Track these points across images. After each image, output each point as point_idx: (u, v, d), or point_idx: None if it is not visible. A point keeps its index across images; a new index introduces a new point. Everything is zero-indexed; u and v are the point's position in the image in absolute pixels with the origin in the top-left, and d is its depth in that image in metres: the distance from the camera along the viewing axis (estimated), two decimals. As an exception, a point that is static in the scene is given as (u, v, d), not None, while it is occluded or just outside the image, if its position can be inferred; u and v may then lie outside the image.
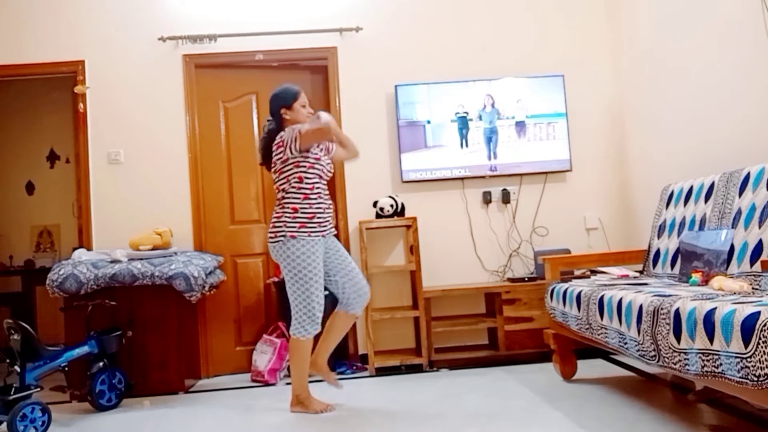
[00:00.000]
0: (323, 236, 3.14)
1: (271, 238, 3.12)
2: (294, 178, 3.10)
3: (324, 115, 3.09)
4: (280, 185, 3.15)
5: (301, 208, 3.09)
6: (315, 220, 3.10)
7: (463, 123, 4.32)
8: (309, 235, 3.07)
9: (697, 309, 1.98)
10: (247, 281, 4.37)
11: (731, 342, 1.79)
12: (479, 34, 4.49)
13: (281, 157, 3.12)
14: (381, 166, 4.40)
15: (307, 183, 3.10)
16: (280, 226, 3.09)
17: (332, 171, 3.27)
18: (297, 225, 3.07)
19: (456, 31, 4.48)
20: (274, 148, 3.16)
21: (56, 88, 6.10)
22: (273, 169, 3.20)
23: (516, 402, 3.05)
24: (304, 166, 3.10)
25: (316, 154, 3.15)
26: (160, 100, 4.33)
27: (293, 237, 3.05)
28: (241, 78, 4.46)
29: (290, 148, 3.08)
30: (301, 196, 3.10)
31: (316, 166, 3.14)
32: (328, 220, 3.18)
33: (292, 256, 3.05)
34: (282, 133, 3.15)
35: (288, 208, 3.09)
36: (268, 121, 3.29)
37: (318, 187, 3.14)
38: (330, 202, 3.23)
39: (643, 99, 4.13)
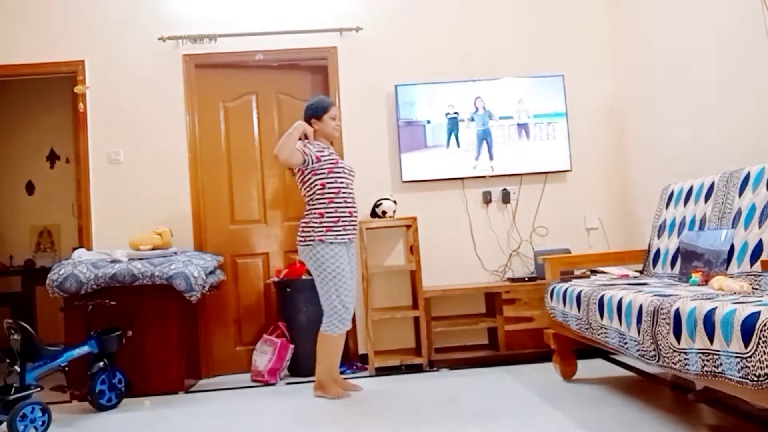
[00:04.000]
0: (348, 240, 3.33)
1: (300, 241, 3.32)
2: (316, 185, 3.30)
3: (293, 131, 3.29)
4: (306, 193, 3.34)
5: (327, 212, 3.27)
6: (340, 224, 3.28)
7: (453, 124, 4.32)
8: (335, 239, 3.26)
9: (697, 309, 1.98)
10: (247, 281, 4.37)
11: (731, 342, 1.79)
12: (479, 34, 4.48)
13: (297, 171, 3.35)
14: (381, 166, 4.40)
15: (330, 188, 3.28)
16: (309, 231, 3.27)
17: (353, 172, 3.46)
18: (324, 229, 3.25)
19: (456, 31, 4.48)
20: None
21: (56, 88, 6.10)
22: (297, 180, 3.41)
23: (516, 402, 3.05)
24: (323, 172, 3.29)
25: (331, 159, 3.32)
26: (160, 100, 4.33)
27: (321, 241, 3.24)
28: (241, 78, 4.46)
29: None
30: (326, 200, 3.28)
31: (335, 170, 3.31)
32: (353, 225, 3.35)
33: (321, 260, 3.25)
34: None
35: (315, 213, 3.28)
36: None
37: (343, 192, 3.32)
38: (355, 207, 3.39)
39: (643, 99, 4.13)
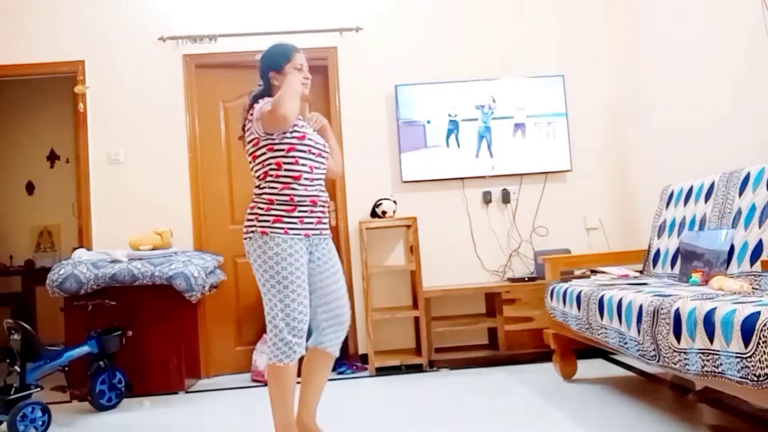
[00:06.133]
0: (306, 236, 2.46)
1: (243, 233, 2.49)
2: (271, 164, 2.45)
3: (292, 79, 2.40)
4: (257, 172, 2.51)
5: (278, 199, 2.43)
6: (295, 214, 2.42)
7: (454, 125, 4.32)
8: (285, 233, 2.39)
9: (697, 309, 1.98)
10: (247, 281, 4.37)
11: (731, 342, 1.79)
12: (479, 34, 4.48)
13: (251, 137, 2.48)
14: (381, 166, 4.39)
15: (287, 170, 2.43)
16: (252, 219, 2.45)
17: (327, 149, 2.57)
18: (270, 219, 2.40)
19: (456, 31, 4.47)
20: (247, 120, 2.50)
21: (56, 88, 6.10)
22: (246, 150, 2.54)
23: (516, 402, 3.05)
24: (281, 150, 2.43)
25: (300, 132, 2.46)
26: (160, 100, 4.33)
27: (264, 233, 2.39)
28: (241, 78, 4.45)
29: (257, 127, 2.44)
30: (279, 185, 2.44)
31: (298, 147, 2.44)
32: (316, 217, 2.49)
33: (263, 257, 2.38)
34: (259, 103, 2.48)
35: (263, 198, 2.46)
36: (258, 86, 2.60)
37: (306, 177, 2.46)
38: (324, 194, 2.54)
39: (643, 99, 4.13)
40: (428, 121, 4.32)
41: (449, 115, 4.32)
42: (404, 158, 4.30)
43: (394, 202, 4.14)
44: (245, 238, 2.47)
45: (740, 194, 2.78)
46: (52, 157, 6.39)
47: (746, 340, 1.72)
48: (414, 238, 3.99)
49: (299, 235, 2.43)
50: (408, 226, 4.17)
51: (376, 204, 4.14)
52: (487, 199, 4.40)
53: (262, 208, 2.45)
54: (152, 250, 3.90)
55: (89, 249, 4.12)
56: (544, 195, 4.44)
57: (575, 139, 4.44)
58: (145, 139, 4.31)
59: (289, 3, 4.43)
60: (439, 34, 4.47)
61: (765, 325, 1.67)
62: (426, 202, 4.38)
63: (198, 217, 4.30)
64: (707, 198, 3.04)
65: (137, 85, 4.33)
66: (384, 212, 4.08)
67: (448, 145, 4.32)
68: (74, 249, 4.16)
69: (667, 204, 3.43)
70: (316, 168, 2.51)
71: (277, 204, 2.43)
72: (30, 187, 6.37)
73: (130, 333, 3.61)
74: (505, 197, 4.40)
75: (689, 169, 3.60)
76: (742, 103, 3.14)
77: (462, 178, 4.37)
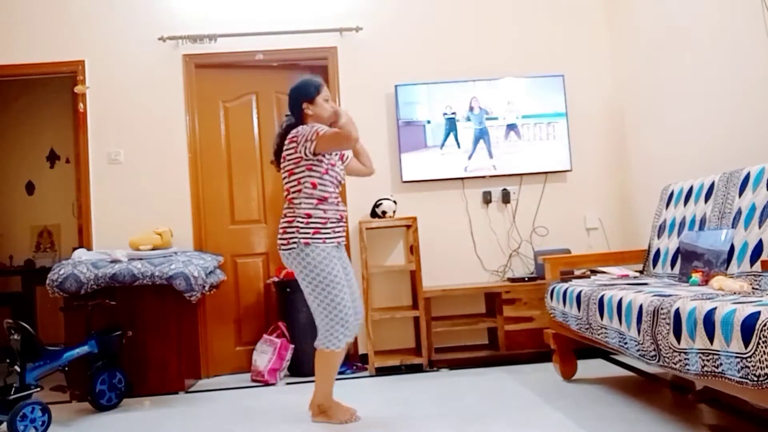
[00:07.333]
0: (337, 244, 2.95)
1: (282, 245, 2.89)
2: (306, 183, 2.87)
3: (345, 116, 2.83)
4: (291, 188, 2.91)
5: (315, 213, 2.86)
6: (329, 226, 2.89)
7: (452, 124, 4.32)
8: (324, 242, 2.85)
9: (697, 309, 1.98)
10: (247, 281, 4.37)
11: (731, 342, 1.79)
12: (479, 34, 4.48)
13: (293, 156, 2.88)
14: (381, 166, 4.38)
15: (321, 190, 2.88)
16: (293, 232, 2.85)
17: (344, 179, 3.07)
18: (311, 231, 2.84)
19: (456, 31, 4.48)
20: (287, 142, 2.91)
21: (56, 88, 6.10)
22: (282, 167, 2.95)
23: (516, 402, 3.05)
24: (318, 172, 2.88)
25: (331, 159, 2.94)
26: (160, 100, 4.33)
27: (307, 244, 2.82)
28: (241, 78, 4.46)
29: (305, 148, 2.84)
30: (315, 201, 2.88)
31: (331, 172, 2.92)
32: (342, 228, 2.98)
33: (310, 264, 2.83)
34: (299, 128, 2.89)
35: (300, 212, 2.86)
36: (286, 116, 3.05)
37: (334, 196, 2.93)
38: (345, 210, 3.01)
39: (643, 99, 4.13)
40: (428, 121, 4.32)
41: (444, 114, 4.31)
42: (404, 158, 4.30)
43: (394, 202, 4.14)
44: (286, 250, 2.88)
45: (740, 194, 2.78)
46: (52, 157, 6.39)
47: (746, 340, 1.72)
48: (414, 238, 3.99)
49: (333, 243, 2.91)
50: (408, 226, 4.17)
51: (376, 204, 4.14)
52: (487, 199, 4.40)
53: (302, 222, 2.86)
54: (152, 250, 3.90)
55: (89, 249, 4.12)
56: (544, 195, 4.44)
57: (575, 139, 4.44)
58: (145, 139, 4.31)
59: (289, 3, 4.43)
60: (439, 34, 4.47)
61: (765, 325, 1.67)
62: (426, 202, 4.38)
63: (198, 217, 4.30)
64: (707, 198, 3.04)
65: (137, 85, 4.33)
66: (384, 212, 4.08)
67: (442, 146, 4.31)
68: (74, 249, 4.16)
69: (667, 204, 3.43)
70: (337, 191, 2.98)
71: (315, 218, 2.87)
72: (30, 187, 6.37)
73: (130, 333, 3.61)
74: (505, 197, 4.40)
75: (689, 169, 3.60)
76: (742, 103, 3.14)
77: (462, 178, 4.37)
